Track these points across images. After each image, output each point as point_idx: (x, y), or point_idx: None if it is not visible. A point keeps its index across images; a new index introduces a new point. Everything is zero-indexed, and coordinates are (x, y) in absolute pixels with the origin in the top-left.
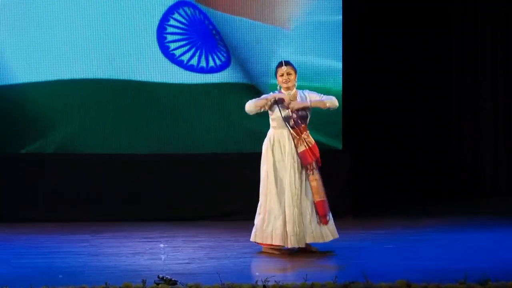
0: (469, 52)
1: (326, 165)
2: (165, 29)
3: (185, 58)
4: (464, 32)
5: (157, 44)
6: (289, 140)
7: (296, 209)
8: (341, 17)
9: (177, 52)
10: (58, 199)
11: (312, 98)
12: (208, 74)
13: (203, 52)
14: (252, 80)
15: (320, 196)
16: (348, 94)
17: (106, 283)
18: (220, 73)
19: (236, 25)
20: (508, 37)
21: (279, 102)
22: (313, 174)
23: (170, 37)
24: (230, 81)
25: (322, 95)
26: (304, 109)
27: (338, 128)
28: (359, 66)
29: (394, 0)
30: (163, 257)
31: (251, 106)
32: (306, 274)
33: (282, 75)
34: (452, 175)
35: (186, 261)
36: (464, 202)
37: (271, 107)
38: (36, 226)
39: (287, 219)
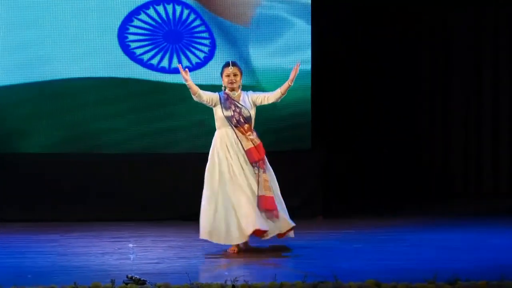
0: (439, 51)
1: (296, 165)
2: (127, 29)
3: (145, 57)
4: (436, 32)
5: (118, 45)
6: (233, 139)
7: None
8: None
9: (138, 51)
10: (27, 199)
11: (254, 98)
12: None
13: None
14: None
15: (271, 192)
16: (317, 94)
17: (75, 283)
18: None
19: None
20: (482, 41)
21: (222, 101)
22: (264, 172)
23: (131, 37)
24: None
25: (265, 93)
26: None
27: (308, 128)
28: (328, 66)
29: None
30: (132, 257)
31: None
32: (276, 274)
33: (228, 75)
34: (423, 175)
35: (155, 261)
36: (434, 202)
37: (215, 105)
38: (5, 226)
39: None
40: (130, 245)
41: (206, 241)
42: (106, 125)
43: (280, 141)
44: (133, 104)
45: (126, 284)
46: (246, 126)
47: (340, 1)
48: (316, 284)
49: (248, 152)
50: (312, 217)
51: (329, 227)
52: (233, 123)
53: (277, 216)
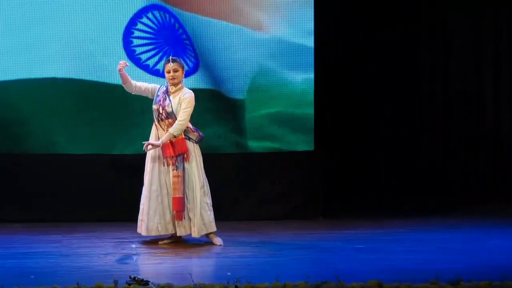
0: (439, 51)
1: (297, 165)
2: (132, 33)
3: (150, 62)
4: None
5: (123, 49)
6: (157, 133)
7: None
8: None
9: (143, 57)
10: (29, 199)
11: (181, 102)
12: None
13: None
14: (218, 86)
15: (179, 192)
16: (318, 95)
17: (78, 284)
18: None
19: (208, 27)
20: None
21: (156, 93)
22: (175, 169)
23: (136, 41)
24: (197, 87)
25: (181, 112)
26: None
27: (310, 129)
28: (330, 67)
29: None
30: (134, 257)
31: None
32: (278, 274)
33: (169, 71)
34: (422, 175)
35: (158, 261)
36: (434, 202)
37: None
38: (6, 227)
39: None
40: (133, 245)
41: (208, 241)
42: (107, 125)
43: (281, 142)
44: (134, 105)
45: (129, 284)
46: (167, 121)
47: (341, 2)
48: (318, 285)
49: (162, 147)
50: (313, 218)
51: (330, 228)
52: (156, 117)
53: (179, 218)
